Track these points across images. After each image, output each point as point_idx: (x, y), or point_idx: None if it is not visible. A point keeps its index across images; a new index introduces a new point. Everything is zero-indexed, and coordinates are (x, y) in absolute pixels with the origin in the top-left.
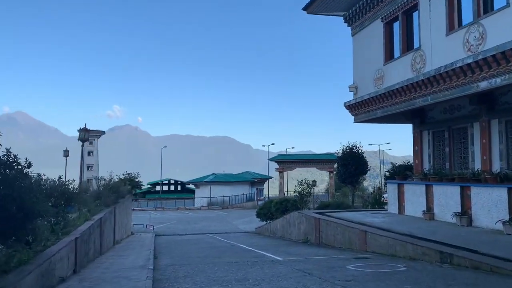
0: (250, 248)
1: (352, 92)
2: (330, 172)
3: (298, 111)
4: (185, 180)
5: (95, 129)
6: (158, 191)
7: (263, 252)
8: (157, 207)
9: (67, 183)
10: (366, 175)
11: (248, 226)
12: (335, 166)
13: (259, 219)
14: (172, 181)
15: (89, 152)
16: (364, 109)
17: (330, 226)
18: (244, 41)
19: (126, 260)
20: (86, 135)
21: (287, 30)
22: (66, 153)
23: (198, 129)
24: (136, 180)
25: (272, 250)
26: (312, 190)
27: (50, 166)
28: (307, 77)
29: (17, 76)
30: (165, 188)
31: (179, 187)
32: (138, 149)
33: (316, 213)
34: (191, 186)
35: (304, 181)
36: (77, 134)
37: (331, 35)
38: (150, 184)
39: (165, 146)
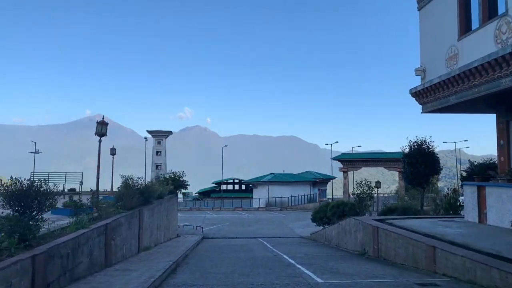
0: (292, 262)
1: (419, 77)
2: (399, 172)
3: (369, 110)
4: (247, 179)
5: (164, 129)
6: (224, 190)
7: (304, 269)
8: (214, 207)
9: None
10: (440, 175)
11: (304, 230)
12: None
13: (315, 224)
14: (236, 180)
15: (157, 152)
16: (434, 95)
17: (390, 237)
18: (309, 40)
19: (124, 279)
20: (104, 129)
21: (352, 29)
22: (112, 151)
23: (265, 129)
24: (181, 179)
25: (316, 266)
26: (373, 192)
27: (125, 166)
28: (378, 75)
29: (98, 80)
30: (230, 187)
31: (243, 186)
32: (207, 149)
33: (376, 220)
34: None
35: (364, 182)
36: (149, 135)
37: (398, 30)
38: (215, 183)
39: (226, 145)
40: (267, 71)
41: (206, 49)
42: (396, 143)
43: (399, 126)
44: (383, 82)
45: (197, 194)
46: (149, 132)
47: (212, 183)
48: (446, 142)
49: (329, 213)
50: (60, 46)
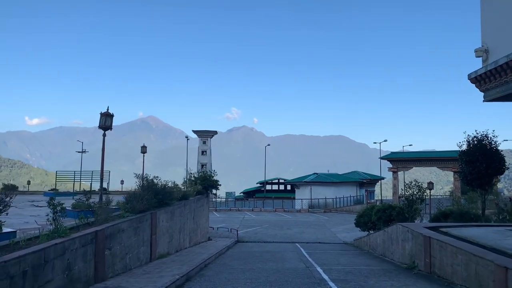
0: (324, 277)
1: (481, 58)
2: (454, 172)
3: (421, 108)
4: (290, 179)
5: (210, 129)
6: (268, 190)
7: None
8: (254, 207)
9: None
10: (501, 176)
11: (348, 235)
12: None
13: (359, 229)
14: (281, 181)
15: (202, 151)
16: (499, 79)
17: (446, 250)
18: (358, 39)
19: None
20: (108, 121)
21: (406, 27)
22: (143, 149)
23: (312, 129)
24: (212, 178)
25: (353, 285)
26: (425, 194)
27: (175, 166)
28: (430, 72)
29: (150, 83)
30: (274, 187)
31: (288, 187)
32: (253, 149)
33: (428, 227)
34: None
35: (414, 183)
36: (196, 136)
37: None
38: (260, 183)
39: (269, 144)
40: (314, 71)
41: (253, 50)
42: (449, 142)
43: (453, 125)
44: (436, 79)
45: (241, 194)
46: (194, 132)
47: (257, 183)
48: (507, 140)
49: (374, 218)
50: (114, 51)
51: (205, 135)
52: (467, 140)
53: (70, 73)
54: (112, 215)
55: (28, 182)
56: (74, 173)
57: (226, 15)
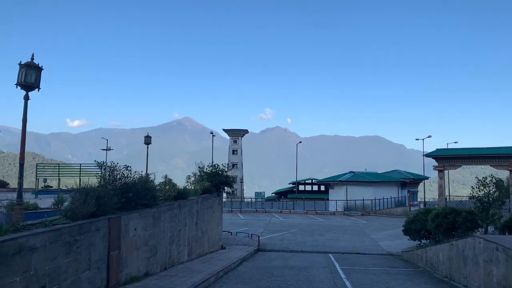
0: None
1: None
2: (511, 171)
3: (459, 106)
4: (322, 178)
5: (241, 128)
6: (301, 191)
7: None
8: (282, 209)
9: None
10: None
11: (392, 244)
12: None
13: (408, 237)
14: (314, 181)
15: (233, 151)
16: None
17: None
18: (393, 38)
19: None
20: (31, 76)
21: (438, 25)
22: (147, 140)
23: (347, 129)
24: (225, 174)
25: None
26: (503, 194)
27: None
28: (467, 70)
29: (185, 85)
30: (308, 187)
31: (321, 187)
32: (287, 149)
33: None
34: None
35: (490, 178)
36: (229, 137)
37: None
38: (292, 183)
39: (300, 142)
40: (347, 71)
41: (286, 51)
42: (493, 141)
43: (497, 124)
44: (475, 77)
45: (273, 194)
46: (225, 130)
47: (289, 183)
48: None
49: (431, 225)
50: (152, 54)
51: (236, 134)
52: None
53: (109, 77)
54: (28, 224)
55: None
56: (59, 166)
57: (259, 18)
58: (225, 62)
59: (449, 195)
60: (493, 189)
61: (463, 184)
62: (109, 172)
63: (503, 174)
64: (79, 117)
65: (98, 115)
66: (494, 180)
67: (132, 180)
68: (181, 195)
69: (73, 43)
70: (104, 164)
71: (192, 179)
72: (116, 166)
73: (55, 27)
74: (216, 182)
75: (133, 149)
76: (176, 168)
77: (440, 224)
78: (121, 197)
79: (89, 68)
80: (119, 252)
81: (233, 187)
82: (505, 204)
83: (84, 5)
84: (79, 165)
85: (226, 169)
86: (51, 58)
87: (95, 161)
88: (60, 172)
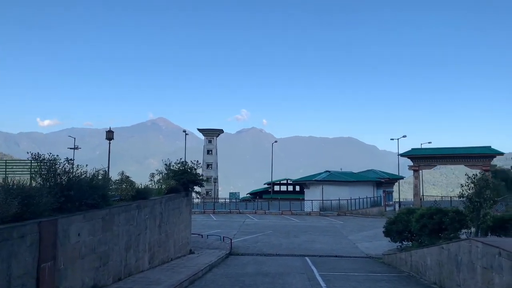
0: None
1: None
2: (485, 170)
3: (431, 107)
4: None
5: (216, 127)
6: (276, 191)
7: None
8: (257, 209)
9: None
10: None
11: (371, 245)
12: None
13: (388, 239)
14: (290, 181)
15: (208, 151)
16: None
17: None
18: (368, 40)
19: None
20: None
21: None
22: (109, 135)
23: (321, 130)
24: (194, 172)
25: None
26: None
27: None
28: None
29: (159, 85)
30: (283, 188)
31: (297, 188)
32: (263, 150)
33: None
34: None
35: (481, 176)
36: (203, 137)
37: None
38: (267, 184)
39: (276, 141)
40: (322, 72)
41: (261, 52)
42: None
43: (469, 126)
44: (448, 77)
45: (248, 195)
46: (200, 130)
47: (264, 184)
48: None
49: (416, 226)
50: (126, 53)
51: (210, 134)
52: None
53: (81, 76)
54: None
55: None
56: (6, 162)
57: (235, 17)
58: (200, 62)
59: (423, 195)
60: (483, 186)
61: (433, 184)
62: (47, 166)
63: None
64: (50, 116)
65: (70, 115)
66: (484, 178)
67: (75, 176)
68: (141, 194)
69: (44, 42)
70: (40, 157)
71: (157, 177)
72: (56, 160)
73: (26, 26)
74: (184, 180)
75: (106, 149)
76: (150, 169)
77: (425, 225)
78: (60, 196)
79: (61, 68)
80: (55, 263)
81: (204, 186)
82: (497, 204)
83: (55, 6)
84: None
85: (195, 167)
86: (22, 57)
87: (28, 153)
88: (8, 169)
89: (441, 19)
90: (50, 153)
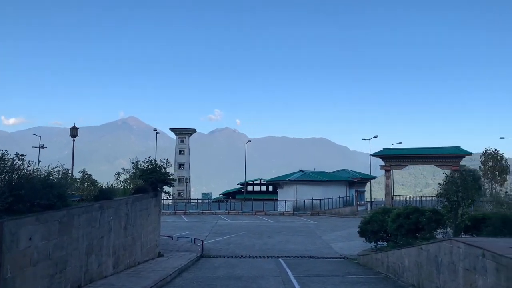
0: None
1: None
2: (454, 170)
3: (400, 108)
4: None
5: (188, 127)
6: (249, 191)
7: None
8: (230, 210)
9: None
10: None
11: (345, 246)
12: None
13: (363, 239)
14: (263, 181)
15: (180, 151)
16: None
17: None
18: (340, 41)
19: None
20: None
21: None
22: (73, 132)
23: (294, 131)
24: (163, 171)
25: None
26: (476, 192)
27: None
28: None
29: (131, 83)
30: (256, 188)
31: (270, 188)
32: (236, 150)
33: None
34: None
35: (458, 175)
36: (175, 136)
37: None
38: (240, 184)
39: (249, 141)
40: (295, 73)
41: (234, 52)
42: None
43: (437, 126)
44: (417, 79)
45: (221, 195)
46: (171, 129)
47: (237, 184)
48: (503, 138)
49: (392, 226)
50: (97, 51)
51: (183, 133)
52: None
53: (49, 74)
54: None
55: None
56: None
57: (208, 16)
58: (172, 61)
59: (394, 195)
60: (462, 187)
61: (402, 185)
62: None
63: (440, 173)
64: (15, 114)
65: (37, 113)
66: (463, 177)
67: (25, 173)
68: (105, 194)
69: (12, 39)
70: None
71: (124, 176)
72: (3, 156)
73: None
74: (152, 180)
75: (75, 149)
76: (121, 169)
77: (401, 225)
78: (8, 196)
79: (28, 65)
80: (0, 271)
81: (174, 185)
82: (474, 203)
83: (25, 3)
84: None
85: (165, 166)
86: None
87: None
88: None
89: (411, 19)
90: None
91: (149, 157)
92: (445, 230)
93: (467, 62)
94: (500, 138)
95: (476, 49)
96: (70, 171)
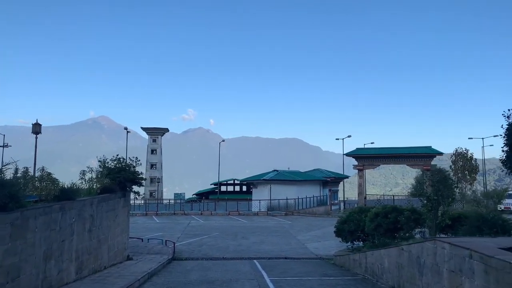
0: None
1: None
2: (426, 170)
3: (370, 111)
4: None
5: (160, 126)
6: (223, 192)
7: None
8: (203, 210)
9: None
10: None
11: (320, 246)
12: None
13: (339, 239)
14: (237, 182)
15: (152, 150)
16: None
17: None
18: (312, 42)
19: None
20: None
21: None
22: (36, 128)
23: (268, 131)
24: (133, 169)
25: None
26: (457, 191)
27: None
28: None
29: (102, 82)
30: (230, 188)
31: (243, 188)
32: (210, 150)
33: (505, 249)
34: None
35: (437, 172)
36: (147, 136)
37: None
38: (214, 184)
39: (223, 140)
40: (268, 74)
41: (208, 52)
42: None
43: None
44: (389, 79)
45: (194, 196)
46: (143, 129)
47: (211, 184)
48: (471, 138)
49: (370, 226)
50: (62, 47)
51: (155, 132)
52: None
53: (18, 72)
54: None
55: None
56: None
57: (182, 15)
58: (146, 60)
59: (366, 194)
60: (442, 185)
61: (373, 184)
62: None
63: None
64: None
65: (2, 112)
66: (443, 175)
67: None
68: (66, 194)
69: None
70: None
71: (89, 175)
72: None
73: None
74: (120, 179)
75: (44, 149)
76: (86, 167)
77: (380, 224)
78: None
79: None
80: None
81: (143, 185)
82: (454, 201)
83: None
84: None
85: (134, 164)
86: None
87: None
88: None
89: (382, 19)
90: None
91: (117, 155)
92: (423, 230)
93: (439, 64)
94: (469, 138)
95: (448, 50)
96: (30, 170)
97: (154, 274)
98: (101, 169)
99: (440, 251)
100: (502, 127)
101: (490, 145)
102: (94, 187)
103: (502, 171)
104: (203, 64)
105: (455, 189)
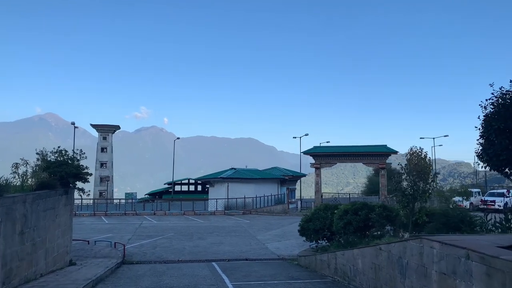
0: None
1: None
2: (381, 168)
3: (323, 111)
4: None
5: (111, 123)
6: (177, 191)
7: None
8: (156, 210)
9: None
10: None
11: (281, 245)
12: (401, 154)
13: (304, 239)
14: (191, 181)
15: (102, 148)
16: None
17: None
18: (268, 42)
19: None
20: None
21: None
22: None
23: (223, 131)
24: (77, 163)
25: None
26: (433, 185)
27: None
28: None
29: (49, 78)
30: (185, 188)
31: (199, 187)
32: (164, 150)
33: (504, 247)
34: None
35: (413, 166)
36: (98, 133)
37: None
38: (168, 184)
39: (178, 138)
40: (223, 73)
41: (161, 48)
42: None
43: (360, 125)
44: (343, 79)
45: (146, 195)
46: (93, 126)
47: (165, 184)
48: (423, 138)
49: (339, 224)
50: (9, 41)
51: (105, 130)
52: (498, 96)
53: None
54: None
55: None
56: None
57: (138, 10)
58: (96, 56)
59: (323, 193)
60: (417, 179)
61: (325, 183)
62: None
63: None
64: None
65: None
66: (418, 169)
67: None
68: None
69: None
70: None
71: (23, 168)
72: None
73: None
74: (62, 174)
75: None
76: (19, 159)
77: (349, 222)
78: None
79: None
80: None
81: (88, 181)
82: (430, 197)
83: None
84: None
85: (78, 158)
86: None
87: None
88: None
89: (344, 19)
90: None
91: (58, 147)
92: (394, 227)
93: (397, 65)
94: (420, 138)
95: (407, 49)
96: None
97: (100, 281)
98: (39, 162)
99: (428, 250)
100: (478, 118)
101: (439, 145)
102: (29, 182)
103: (478, 164)
104: (157, 61)
105: (431, 183)
